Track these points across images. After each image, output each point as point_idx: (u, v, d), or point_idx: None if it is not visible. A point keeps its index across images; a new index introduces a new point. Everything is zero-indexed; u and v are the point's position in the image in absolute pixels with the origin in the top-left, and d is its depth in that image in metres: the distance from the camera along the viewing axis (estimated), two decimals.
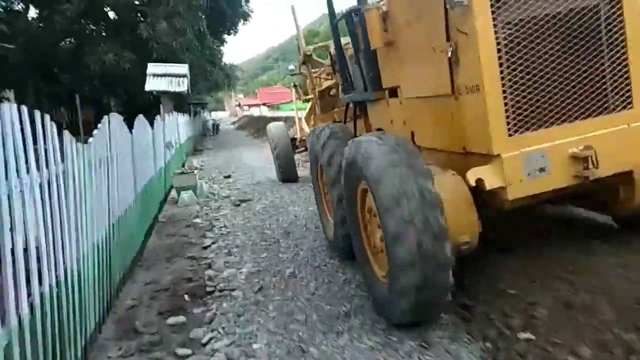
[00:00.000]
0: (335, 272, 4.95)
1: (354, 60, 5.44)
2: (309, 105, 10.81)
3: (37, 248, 2.82)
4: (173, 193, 10.11)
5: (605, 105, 3.45)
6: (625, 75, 3.42)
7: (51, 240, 3.03)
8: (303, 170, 11.17)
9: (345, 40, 5.82)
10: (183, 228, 7.68)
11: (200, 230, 7.37)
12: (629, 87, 3.44)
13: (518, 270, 4.09)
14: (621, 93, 3.45)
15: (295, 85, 11.44)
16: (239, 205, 8.90)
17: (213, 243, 6.54)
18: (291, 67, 10.91)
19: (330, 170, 4.92)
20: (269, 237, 6.52)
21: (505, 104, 3.29)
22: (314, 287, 4.65)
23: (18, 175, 2.59)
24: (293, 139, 10.91)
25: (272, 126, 11.30)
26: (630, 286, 3.46)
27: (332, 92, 8.98)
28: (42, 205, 2.92)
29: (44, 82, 23.76)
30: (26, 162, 2.68)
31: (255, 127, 32.55)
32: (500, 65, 3.25)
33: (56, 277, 3.07)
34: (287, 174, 10.68)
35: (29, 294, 2.68)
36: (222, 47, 32.32)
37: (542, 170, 3.33)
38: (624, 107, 3.46)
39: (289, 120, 13.32)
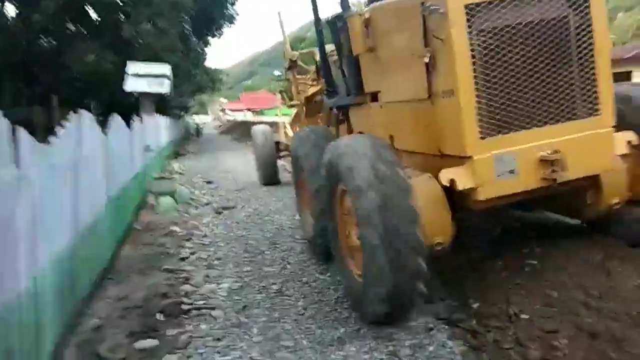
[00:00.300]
0: (326, 289, 4.53)
1: (338, 66, 5.54)
2: (294, 110, 10.71)
3: None
4: (151, 198, 9.56)
5: (574, 111, 3.57)
6: (593, 84, 3.55)
7: None
8: (288, 177, 10.76)
9: (330, 47, 5.95)
10: (160, 237, 7.14)
11: (179, 240, 6.85)
12: (596, 94, 3.57)
13: (530, 290, 3.72)
14: (589, 100, 3.58)
15: (281, 91, 11.81)
16: (220, 212, 8.41)
17: (192, 254, 6.05)
18: (277, 72, 11.89)
19: (311, 172, 5.01)
20: (253, 249, 6.06)
21: (478, 108, 3.41)
22: (303, 306, 4.22)
23: None
24: (277, 143, 10.80)
25: (257, 129, 11.22)
26: None
27: (318, 98, 8.78)
28: None
29: (23, 82, 22.90)
30: None
31: (239, 131, 32.00)
32: (474, 70, 3.37)
33: (5, 298, 2.59)
34: (269, 177, 10.68)
35: None
36: (206, 50, 31.79)
37: (511, 172, 3.45)
38: (591, 114, 3.59)
39: (273, 126, 12.98)
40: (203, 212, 8.62)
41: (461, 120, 3.40)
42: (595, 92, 3.57)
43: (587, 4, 3.48)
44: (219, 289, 4.76)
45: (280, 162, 11.24)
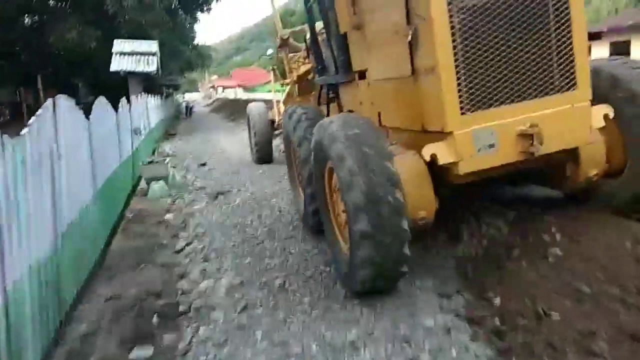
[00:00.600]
0: (333, 284, 4.21)
1: (327, 44, 5.55)
2: (287, 88, 10.49)
3: None
4: (142, 184, 9.16)
5: (551, 86, 3.65)
6: (570, 59, 3.62)
7: None
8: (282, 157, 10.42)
9: (320, 24, 5.92)
10: (153, 226, 6.80)
11: (172, 229, 6.51)
12: (573, 69, 3.64)
13: (557, 283, 3.42)
14: (566, 75, 3.65)
15: (273, 69, 11.56)
16: (216, 198, 8.03)
17: (187, 245, 5.71)
18: (270, 51, 11.65)
19: (301, 150, 5.18)
20: (251, 238, 5.72)
21: (459, 85, 3.49)
22: (309, 304, 3.91)
23: None
24: (272, 121, 10.59)
25: (252, 106, 11.14)
26: None
27: (310, 76, 8.66)
28: None
29: (5, 60, 22.11)
30: None
31: (231, 109, 31.28)
32: (454, 48, 3.45)
33: None
34: (263, 155, 10.60)
35: None
36: (195, 26, 30.91)
37: (491, 146, 3.54)
38: (569, 88, 3.67)
39: (267, 104, 12.57)
40: (197, 198, 8.24)
41: (442, 96, 3.49)
42: (572, 66, 3.64)
43: None
44: (218, 285, 4.43)
45: (275, 142, 10.94)
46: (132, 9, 18.18)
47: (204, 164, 11.87)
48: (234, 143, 15.22)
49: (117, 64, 16.07)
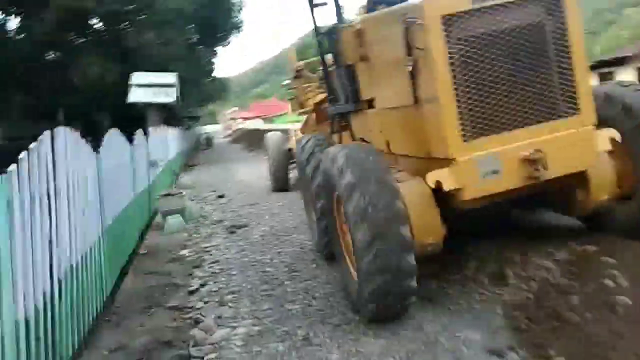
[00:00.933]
0: (364, 335, 3.70)
1: (337, 74, 5.70)
2: (304, 117, 10.57)
3: None
4: (159, 217, 8.82)
5: (554, 111, 3.69)
6: (572, 84, 3.67)
7: None
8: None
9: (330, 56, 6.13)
10: (167, 263, 6.41)
11: (188, 267, 6.10)
12: (575, 94, 3.68)
13: (638, 345, 2.87)
14: (568, 100, 3.69)
15: (291, 99, 11.62)
16: (233, 232, 7.62)
17: (202, 286, 5.27)
18: (286, 82, 11.51)
19: (314, 180, 5.18)
20: (271, 278, 5.25)
21: (460, 113, 3.55)
22: None
23: None
24: (289, 150, 10.64)
25: (269, 136, 11.42)
26: None
27: (325, 105, 8.34)
28: None
29: (28, 96, 22.41)
30: None
31: (250, 140, 31.21)
32: (454, 77, 3.52)
33: None
34: (279, 183, 10.84)
35: None
36: (213, 59, 31.24)
37: (495, 172, 3.58)
38: (571, 113, 3.70)
39: (286, 133, 12.38)
40: (214, 232, 7.85)
41: (444, 124, 3.56)
42: (574, 92, 3.67)
43: (562, 10, 3.61)
44: (234, 335, 3.96)
45: (294, 171, 10.72)
46: (151, 44, 18.32)
47: (222, 196, 11.54)
48: (254, 174, 14.90)
49: (135, 96, 16.00)
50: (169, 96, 16.13)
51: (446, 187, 3.56)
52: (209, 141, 37.40)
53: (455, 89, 3.52)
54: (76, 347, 3.67)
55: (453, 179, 3.55)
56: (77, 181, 3.85)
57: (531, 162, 3.57)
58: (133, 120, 17.03)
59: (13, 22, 21.38)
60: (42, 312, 2.99)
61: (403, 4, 4.34)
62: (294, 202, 9.43)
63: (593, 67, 22.18)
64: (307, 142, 5.77)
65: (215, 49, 30.69)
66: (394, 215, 3.44)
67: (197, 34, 23.98)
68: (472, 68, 3.53)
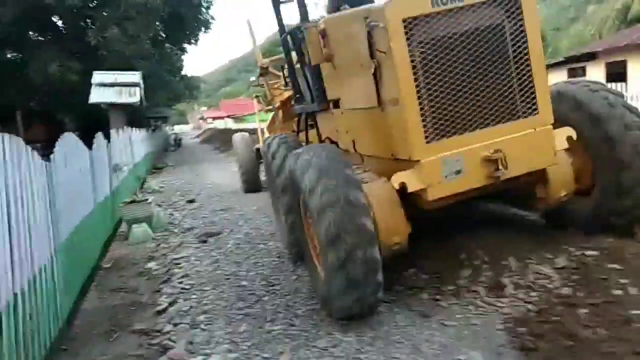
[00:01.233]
0: (355, 357, 3.31)
1: (302, 73, 5.67)
2: (270, 115, 10.54)
3: None
4: (124, 226, 8.24)
5: (514, 112, 3.78)
6: (530, 85, 3.76)
7: None
8: None
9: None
10: (132, 277, 5.89)
11: (155, 282, 5.59)
12: (533, 95, 3.78)
13: None
14: (527, 101, 3.79)
15: (257, 96, 11.51)
16: (205, 241, 7.12)
17: (171, 305, 4.78)
18: (252, 79, 11.34)
19: (279, 179, 5.15)
20: (247, 294, 4.80)
21: (422, 115, 3.62)
22: None
23: None
24: (257, 150, 10.30)
25: (236, 137, 11.33)
26: None
27: (292, 102, 8.23)
28: None
29: None
30: None
31: (221, 140, 30.45)
32: (416, 80, 3.59)
33: None
34: (250, 184, 10.66)
35: None
36: (182, 57, 30.36)
37: (458, 172, 3.66)
38: (530, 113, 3.81)
39: (255, 132, 11.95)
40: (184, 241, 7.32)
41: (407, 126, 3.63)
42: (532, 92, 3.76)
43: (519, 12, 3.67)
44: None
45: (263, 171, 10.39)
46: (115, 41, 17.47)
47: (192, 200, 11.00)
48: (225, 176, 14.36)
49: (97, 96, 15.15)
50: (133, 96, 15.36)
51: (411, 188, 3.64)
52: (177, 142, 36.43)
53: (418, 91, 3.58)
54: None
55: (417, 180, 3.64)
56: (20, 196, 3.33)
57: (492, 161, 3.66)
58: (98, 122, 16.23)
59: None
60: None
61: (365, 6, 4.40)
62: (269, 205, 8.96)
63: (562, 63, 22.43)
64: (272, 140, 5.75)
65: (184, 46, 29.85)
66: (355, 208, 3.43)
67: (163, 31, 23.12)
68: (434, 70, 3.58)
